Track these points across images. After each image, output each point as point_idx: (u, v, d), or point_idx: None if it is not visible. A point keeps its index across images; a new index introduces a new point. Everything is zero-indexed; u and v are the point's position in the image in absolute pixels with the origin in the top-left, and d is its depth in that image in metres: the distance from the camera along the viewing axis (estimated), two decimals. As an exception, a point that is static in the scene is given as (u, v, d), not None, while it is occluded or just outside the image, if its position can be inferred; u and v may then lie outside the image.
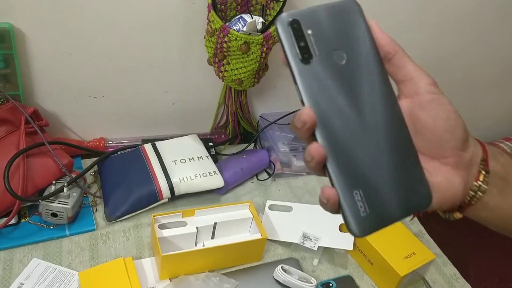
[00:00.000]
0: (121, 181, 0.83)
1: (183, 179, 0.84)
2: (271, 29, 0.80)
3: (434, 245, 0.88)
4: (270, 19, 0.84)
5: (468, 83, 1.25)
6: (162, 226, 0.75)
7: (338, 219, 0.72)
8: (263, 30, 0.81)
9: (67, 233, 0.76)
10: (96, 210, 0.82)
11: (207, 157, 0.90)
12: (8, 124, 0.78)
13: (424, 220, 0.92)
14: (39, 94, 0.88)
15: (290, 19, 0.32)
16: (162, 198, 0.83)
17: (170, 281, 0.71)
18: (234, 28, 0.82)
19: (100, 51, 0.85)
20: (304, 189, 0.96)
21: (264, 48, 0.81)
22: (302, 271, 0.76)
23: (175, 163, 0.86)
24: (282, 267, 0.73)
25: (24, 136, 0.77)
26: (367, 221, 0.32)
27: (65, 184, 0.75)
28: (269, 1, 0.84)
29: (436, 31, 1.08)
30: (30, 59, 0.82)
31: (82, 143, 0.95)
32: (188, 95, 0.99)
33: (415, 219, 0.93)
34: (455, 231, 1.00)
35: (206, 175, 0.85)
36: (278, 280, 0.73)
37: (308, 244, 0.78)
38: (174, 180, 0.83)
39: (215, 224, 0.77)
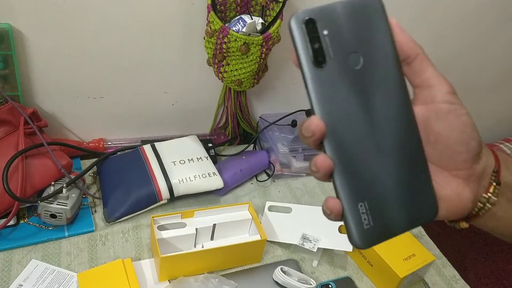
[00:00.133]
0: (120, 182, 0.83)
1: (183, 180, 0.83)
2: (271, 30, 0.80)
3: (433, 246, 0.88)
4: (269, 19, 0.83)
5: (468, 85, 1.25)
6: (161, 227, 0.74)
7: (338, 220, 0.72)
8: (262, 31, 0.81)
9: (66, 234, 0.76)
10: (95, 211, 0.82)
11: (207, 158, 0.90)
12: (7, 125, 0.78)
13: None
14: (38, 95, 0.88)
15: (306, 18, 0.29)
16: (161, 199, 0.82)
17: (169, 282, 0.71)
18: (234, 29, 0.82)
19: (99, 52, 0.85)
20: (303, 190, 0.96)
21: (264, 49, 0.81)
22: (302, 272, 0.76)
23: (175, 164, 0.86)
24: (281, 269, 0.73)
25: (23, 137, 0.77)
26: (370, 233, 0.31)
27: (64, 185, 0.75)
28: (268, 2, 0.84)
29: (436, 33, 1.08)
30: (29, 59, 0.82)
31: (81, 144, 0.95)
32: (187, 96, 0.99)
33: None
34: (455, 232, 1.00)
35: (206, 176, 0.85)
36: (278, 281, 0.72)
37: (307, 246, 0.77)
38: (174, 181, 0.83)
39: (214, 225, 0.77)
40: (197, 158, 0.89)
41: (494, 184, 0.35)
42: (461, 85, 1.25)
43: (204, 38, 0.84)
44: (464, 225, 0.37)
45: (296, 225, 0.82)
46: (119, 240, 0.78)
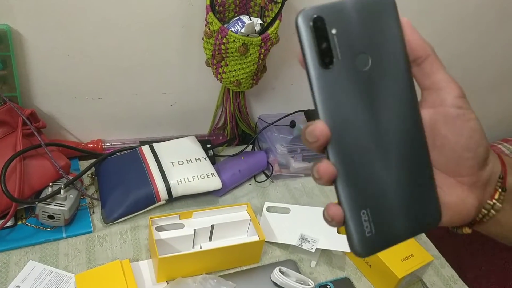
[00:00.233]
0: (119, 183, 0.83)
1: (181, 181, 0.83)
2: (270, 31, 0.80)
3: (432, 246, 0.88)
4: (268, 20, 0.83)
5: (468, 85, 1.24)
6: (160, 228, 0.74)
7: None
8: (261, 32, 0.81)
9: (64, 235, 0.76)
10: (93, 212, 0.82)
11: (205, 158, 0.90)
12: (5, 125, 0.78)
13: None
14: (36, 96, 0.87)
15: (314, 16, 0.28)
16: (160, 200, 0.82)
17: (167, 283, 0.71)
18: (233, 29, 0.82)
19: (98, 53, 0.85)
20: (302, 190, 0.96)
21: (263, 50, 0.81)
22: (300, 273, 0.76)
23: (173, 165, 0.86)
24: (279, 269, 0.73)
25: (21, 138, 0.77)
26: (372, 241, 0.30)
27: (62, 186, 0.75)
28: (267, 3, 0.84)
29: (437, 33, 1.08)
30: (28, 60, 0.82)
31: (79, 145, 0.94)
32: (186, 96, 0.99)
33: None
34: (453, 233, 1.00)
35: (204, 177, 0.85)
36: (276, 282, 0.72)
37: (306, 246, 0.77)
38: (172, 182, 0.83)
39: (212, 226, 0.77)
40: (195, 158, 0.89)
41: (500, 190, 0.34)
42: (462, 85, 1.25)
43: (202, 39, 0.84)
44: (467, 230, 0.36)
45: (295, 225, 0.82)
46: (117, 241, 0.78)
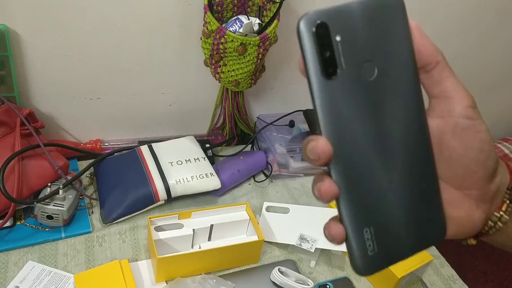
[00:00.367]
0: (117, 183, 0.83)
1: (180, 180, 0.83)
2: (268, 31, 0.80)
3: (431, 246, 0.88)
4: (266, 20, 0.83)
5: (468, 85, 1.24)
6: (159, 228, 0.74)
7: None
8: (259, 32, 0.81)
9: (63, 235, 0.76)
10: (92, 212, 0.82)
11: (204, 158, 0.90)
12: (3, 126, 0.78)
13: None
14: (34, 96, 0.87)
15: (318, 22, 0.26)
16: (159, 200, 0.82)
17: (167, 283, 0.71)
18: (231, 29, 0.82)
19: (96, 53, 0.85)
20: (301, 190, 0.96)
21: (261, 50, 0.81)
22: (299, 273, 0.76)
23: (172, 165, 0.86)
24: (279, 269, 0.73)
25: (20, 138, 0.77)
26: (374, 260, 0.29)
27: (61, 186, 0.75)
28: (265, 2, 0.84)
29: (437, 33, 1.08)
30: (26, 60, 0.82)
31: (78, 145, 0.94)
32: (185, 96, 0.99)
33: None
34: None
35: (203, 177, 0.85)
36: (275, 282, 0.72)
37: (305, 246, 0.77)
38: (171, 182, 0.83)
39: (211, 226, 0.77)
40: (194, 158, 0.89)
41: (508, 202, 0.33)
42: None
43: (201, 39, 0.84)
44: (472, 242, 0.35)
45: (294, 225, 0.82)
46: (116, 241, 0.77)
